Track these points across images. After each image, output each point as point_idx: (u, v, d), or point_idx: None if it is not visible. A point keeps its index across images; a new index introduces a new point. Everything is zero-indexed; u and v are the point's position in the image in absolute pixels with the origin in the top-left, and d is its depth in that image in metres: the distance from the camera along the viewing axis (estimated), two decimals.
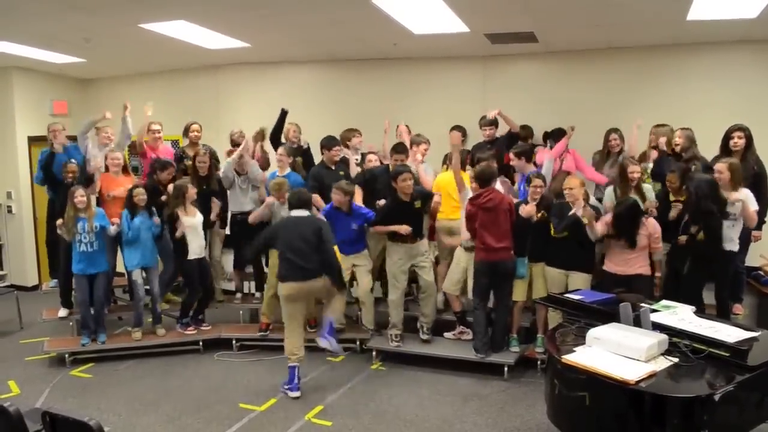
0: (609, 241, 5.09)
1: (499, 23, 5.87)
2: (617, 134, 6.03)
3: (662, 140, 5.61)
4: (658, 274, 5.11)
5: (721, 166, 4.94)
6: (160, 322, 6.24)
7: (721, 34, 6.11)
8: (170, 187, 6.14)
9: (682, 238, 4.90)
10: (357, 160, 6.48)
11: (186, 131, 6.74)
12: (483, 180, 5.30)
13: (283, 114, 6.57)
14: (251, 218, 6.10)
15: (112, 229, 5.86)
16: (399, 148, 5.95)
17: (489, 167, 5.39)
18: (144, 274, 6.04)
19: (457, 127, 6.80)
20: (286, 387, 5.13)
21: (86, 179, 6.19)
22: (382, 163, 6.26)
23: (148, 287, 6.11)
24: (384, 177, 5.88)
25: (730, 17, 5.41)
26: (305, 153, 6.72)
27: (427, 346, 5.78)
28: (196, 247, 6.01)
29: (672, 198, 5.22)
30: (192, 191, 5.92)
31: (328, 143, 6.27)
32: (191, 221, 5.93)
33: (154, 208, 6.00)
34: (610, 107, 6.61)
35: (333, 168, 6.28)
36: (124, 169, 6.46)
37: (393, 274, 5.80)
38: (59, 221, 5.82)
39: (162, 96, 8.54)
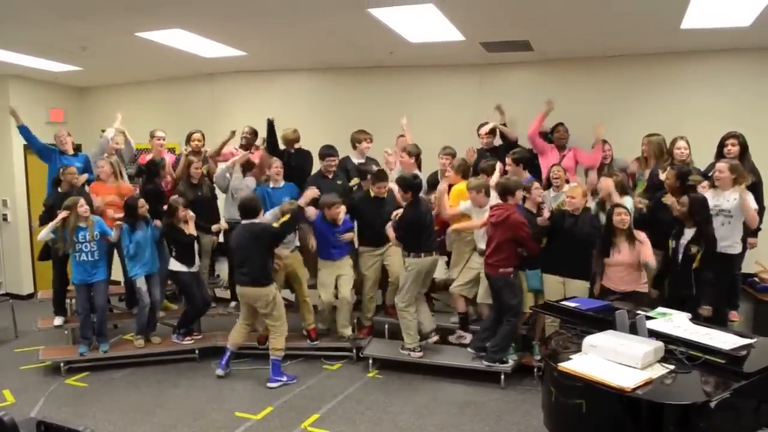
0: (603, 258, 5.12)
1: (494, 32, 5.90)
2: (607, 144, 6.13)
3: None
4: (646, 281, 5.08)
5: (721, 166, 4.97)
6: (154, 330, 6.24)
7: (715, 42, 6.14)
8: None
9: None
10: (361, 162, 6.50)
11: (188, 139, 6.76)
12: (500, 194, 5.32)
13: (270, 124, 6.53)
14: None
15: (114, 235, 5.85)
16: (381, 176, 5.98)
17: (506, 182, 5.34)
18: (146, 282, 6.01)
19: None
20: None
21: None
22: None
23: None
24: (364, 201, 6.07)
25: (724, 26, 5.44)
26: (301, 156, 6.63)
27: (425, 354, 5.76)
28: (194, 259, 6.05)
29: (668, 199, 5.21)
30: (182, 212, 5.90)
31: (323, 153, 6.27)
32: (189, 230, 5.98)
33: (148, 216, 5.99)
34: (605, 115, 6.61)
35: (330, 177, 6.28)
36: (115, 175, 6.40)
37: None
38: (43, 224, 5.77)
39: (158, 104, 8.59)
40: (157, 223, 6.02)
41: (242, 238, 5.48)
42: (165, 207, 6.03)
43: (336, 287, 6.05)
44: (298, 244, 6.20)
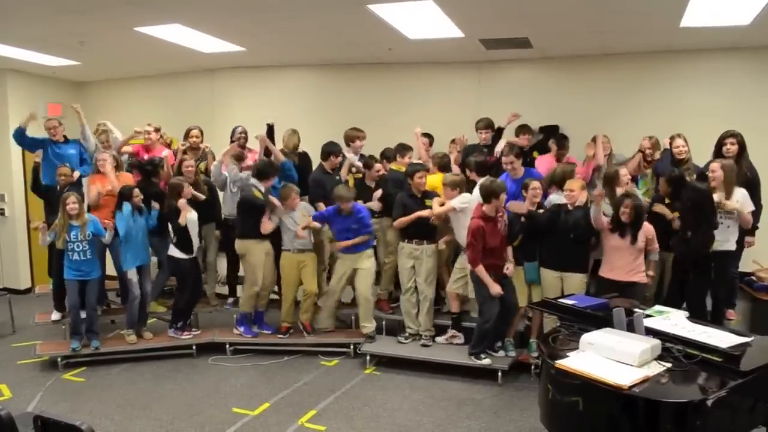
0: (606, 246, 5.11)
1: (493, 29, 5.89)
2: (606, 138, 6.11)
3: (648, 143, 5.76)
4: (651, 273, 5.13)
5: (714, 166, 5.03)
6: (145, 324, 6.24)
7: (714, 40, 6.15)
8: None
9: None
10: (355, 159, 6.46)
11: (186, 136, 6.74)
12: (483, 196, 5.25)
13: (269, 129, 6.53)
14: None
15: (107, 237, 5.80)
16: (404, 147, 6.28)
17: (491, 184, 5.23)
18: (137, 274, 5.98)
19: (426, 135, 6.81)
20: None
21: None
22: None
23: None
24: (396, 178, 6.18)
25: (724, 24, 5.45)
26: (303, 159, 6.65)
27: (422, 351, 5.78)
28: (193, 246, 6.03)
29: (666, 201, 5.28)
30: (188, 189, 5.91)
31: (330, 150, 6.25)
32: (190, 216, 5.91)
33: (143, 205, 5.96)
34: (604, 113, 6.65)
35: (332, 172, 6.29)
36: (117, 168, 6.31)
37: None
38: (38, 224, 5.77)
39: (157, 99, 8.57)
40: (156, 205, 6.02)
41: None
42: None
43: (350, 281, 6.13)
44: (310, 246, 6.18)
